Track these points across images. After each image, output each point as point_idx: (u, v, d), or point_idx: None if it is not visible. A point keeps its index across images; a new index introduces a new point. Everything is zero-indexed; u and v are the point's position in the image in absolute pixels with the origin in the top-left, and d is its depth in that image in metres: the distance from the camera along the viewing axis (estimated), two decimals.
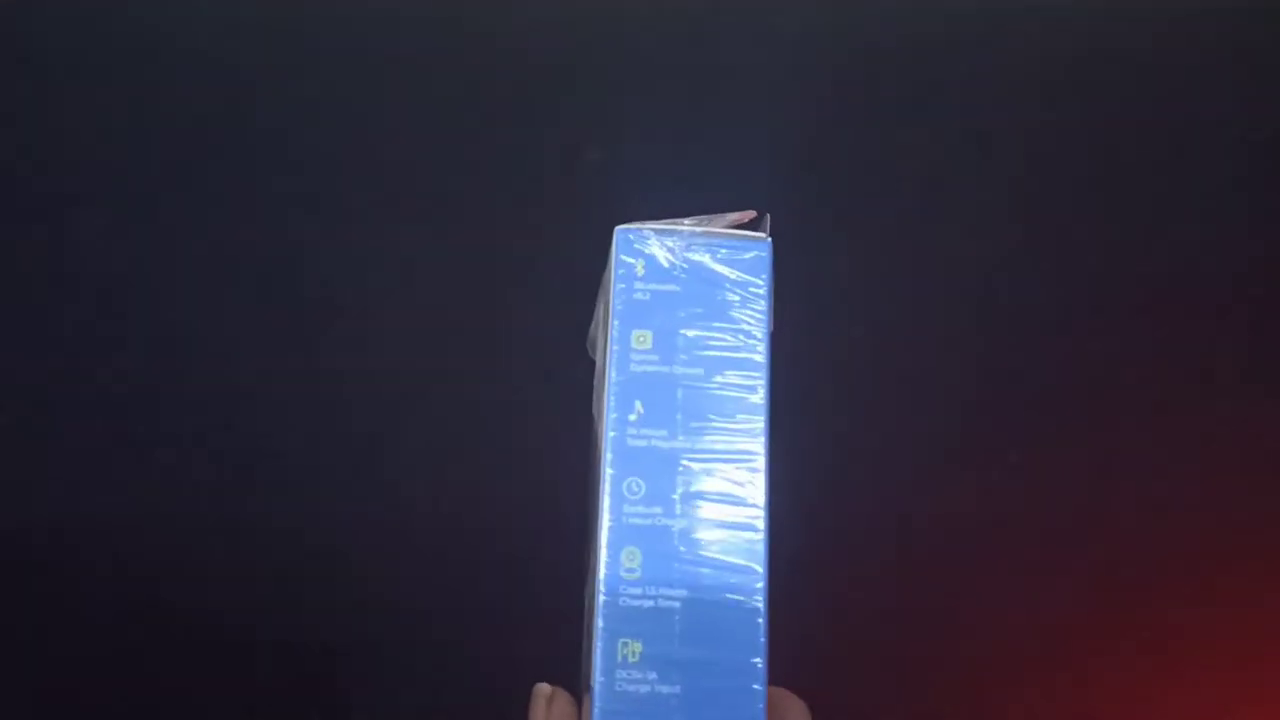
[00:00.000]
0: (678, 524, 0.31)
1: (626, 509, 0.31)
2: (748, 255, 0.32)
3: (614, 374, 0.32)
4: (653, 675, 0.30)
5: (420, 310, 0.67)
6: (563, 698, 0.34)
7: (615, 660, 0.30)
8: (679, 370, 0.32)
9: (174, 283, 0.67)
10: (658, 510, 0.31)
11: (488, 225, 0.67)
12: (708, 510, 0.31)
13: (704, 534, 0.31)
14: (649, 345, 0.32)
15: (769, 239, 0.32)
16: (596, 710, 0.30)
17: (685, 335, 0.32)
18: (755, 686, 0.30)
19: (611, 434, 0.31)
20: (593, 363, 0.34)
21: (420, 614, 0.64)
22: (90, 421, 0.66)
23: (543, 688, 0.34)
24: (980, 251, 0.69)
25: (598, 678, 0.30)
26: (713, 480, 0.31)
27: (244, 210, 0.67)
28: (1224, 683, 0.66)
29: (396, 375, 0.67)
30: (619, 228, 0.32)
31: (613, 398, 0.31)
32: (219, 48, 0.68)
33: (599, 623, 0.30)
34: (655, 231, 0.32)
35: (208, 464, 0.66)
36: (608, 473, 0.31)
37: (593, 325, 0.35)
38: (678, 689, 0.30)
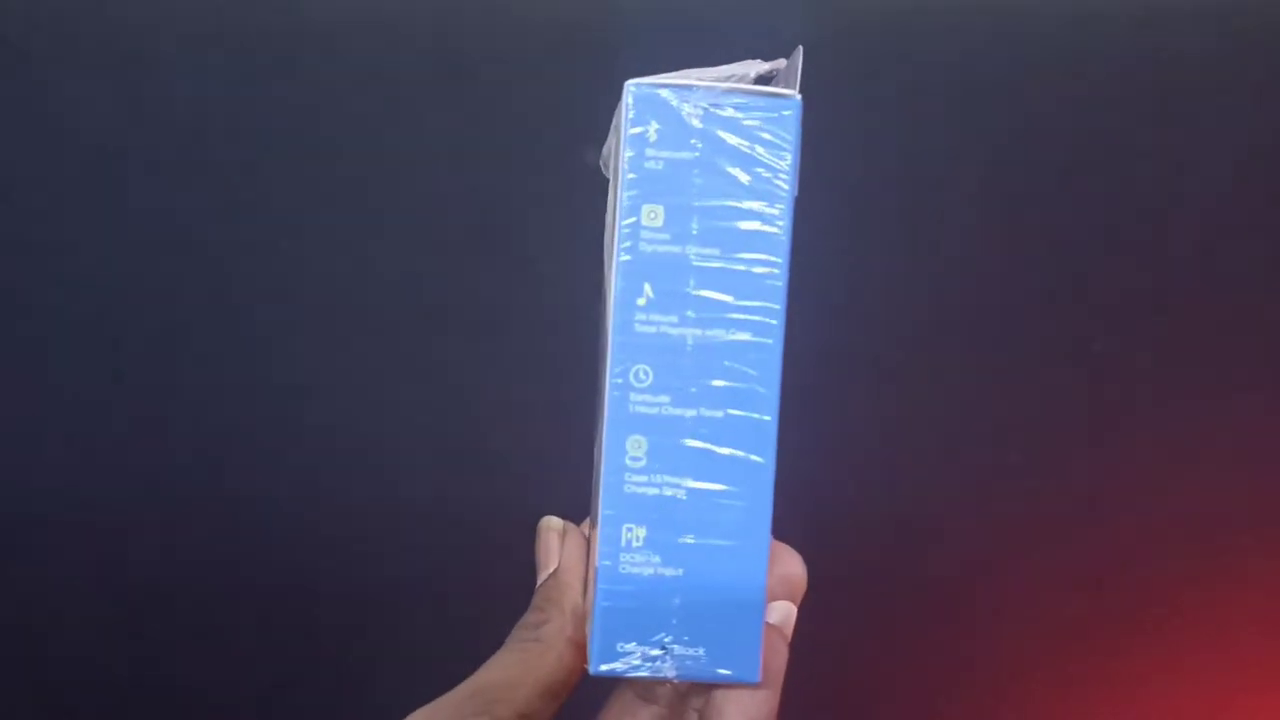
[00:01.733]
0: (686, 412, 0.29)
1: (633, 397, 0.29)
2: (775, 115, 0.28)
3: (622, 254, 0.29)
4: (656, 559, 0.30)
5: (420, 305, 0.64)
6: (575, 533, 0.34)
7: (619, 544, 0.30)
8: (692, 250, 0.29)
9: (172, 278, 0.64)
10: (665, 399, 0.29)
11: (489, 224, 0.64)
12: (717, 399, 0.29)
13: (712, 423, 0.29)
14: (660, 222, 0.29)
15: (799, 96, 0.28)
16: (600, 589, 0.30)
17: (701, 210, 0.29)
18: (757, 575, 0.30)
19: (618, 318, 0.29)
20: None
21: (427, 592, 0.65)
22: (90, 420, 0.64)
23: (553, 521, 0.34)
24: (980, 251, 0.65)
25: (601, 560, 0.30)
26: (724, 369, 0.29)
27: (243, 206, 0.63)
28: (1225, 682, 0.67)
29: (397, 365, 0.64)
30: (630, 82, 0.28)
31: (621, 279, 0.29)
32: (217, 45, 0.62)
33: (603, 508, 0.30)
34: (670, 88, 0.28)
35: (208, 457, 0.65)
36: (614, 359, 0.29)
37: (605, 148, 0.31)
38: (680, 572, 0.30)
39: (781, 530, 0.31)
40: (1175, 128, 0.65)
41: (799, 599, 0.33)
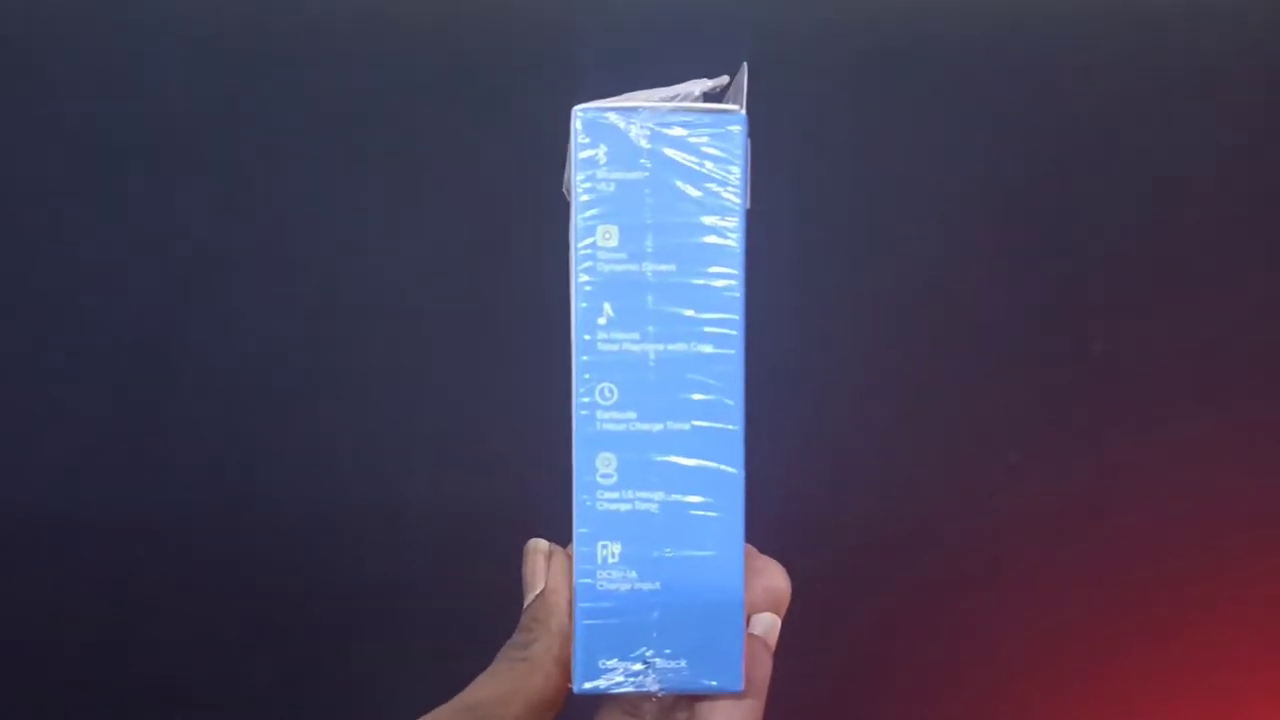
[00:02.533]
0: (653, 427, 0.30)
1: (600, 414, 0.30)
2: (721, 130, 0.29)
3: (581, 275, 0.29)
4: (633, 574, 0.30)
5: (420, 305, 0.65)
6: (561, 554, 0.34)
7: (595, 561, 0.30)
8: (649, 267, 0.29)
9: (172, 277, 0.64)
10: (632, 415, 0.30)
11: (489, 224, 0.64)
12: (683, 412, 0.30)
13: (680, 436, 0.30)
14: (615, 242, 0.29)
15: (742, 111, 0.29)
16: (580, 608, 0.31)
17: (655, 227, 0.29)
18: (734, 584, 0.30)
19: (580, 338, 0.29)
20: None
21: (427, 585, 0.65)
22: (90, 420, 0.65)
23: (539, 543, 0.35)
24: (980, 251, 0.65)
25: (579, 579, 0.30)
26: (688, 382, 0.30)
27: (242, 206, 0.64)
28: (1225, 682, 0.67)
29: (397, 365, 0.65)
30: (577, 108, 0.29)
31: (581, 300, 0.29)
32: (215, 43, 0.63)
33: (576, 527, 0.30)
34: (616, 110, 0.28)
35: (207, 457, 0.65)
36: (581, 377, 0.30)
37: (566, 169, 0.32)
38: (657, 585, 0.30)
39: (777, 532, 0.31)
40: (1175, 127, 0.65)
41: (783, 610, 0.33)
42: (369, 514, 0.66)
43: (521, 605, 0.35)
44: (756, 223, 0.30)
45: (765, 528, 0.32)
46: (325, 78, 0.64)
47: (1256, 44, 0.65)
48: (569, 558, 0.34)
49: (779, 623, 0.33)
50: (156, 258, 0.65)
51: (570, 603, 0.33)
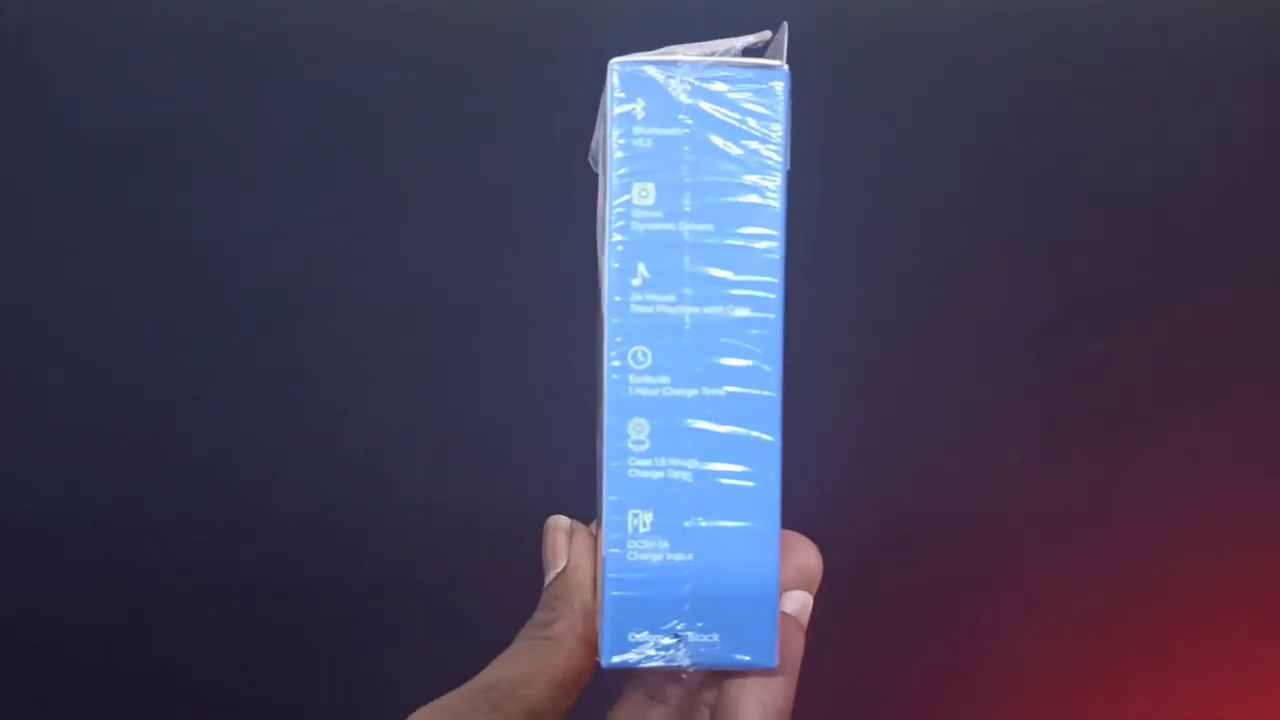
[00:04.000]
0: (688, 392, 0.29)
1: (633, 379, 0.29)
2: (764, 86, 0.28)
3: (614, 235, 0.29)
4: (664, 544, 0.30)
5: (420, 304, 0.65)
6: (583, 531, 0.34)
7: (626, 531, 0.30)
8: (686, 227, 0.29)
9: (171, 277, 0.64)
10: (666, 380, 0.29)
11: (489, 223, 0.64)
12: (719, 377, 0.29)
13: (715, 403, 0.29)
14: (652, 200, 0.29)
15: (785, 66, 0.28)
16: (609, 579, 0.30)
17: (693, 185, 0.29)
18: (769, 556, 0.30)
19: (614, 299, 0.29)
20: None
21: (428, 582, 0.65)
22: (90, 420, 0.65)
23: (560, 520, 0.34)
24: (980, 251, 0.65)
25: (609, 549, 0.30)
26: (724, 347, 0.29)
27: (242, 206, 0.64)
28: (1226, 682, 0.67)
29: (397, 365, 0.65)
30: (614, 61, 0.28)
31: (615, 260, 0.29)
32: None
33: (607, 494, 0.30)
34: (655, 64, 0.28)
35: (208, 457, 0.65)
36: (613, 340, 0.29)
37: (594, 141, 0.31)
38: (690, 556, 0.30)
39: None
40: (1175, 127, 0.66)
41: (814, 589, 0.33)
42: (369, 513, 0.65)
43: (542, 585, 0.34)
44: None
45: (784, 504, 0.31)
46: (326, 77, 0.64)
47: (1256, 44, 0.65)
48: (591, 535, 0.34)
49: (810, 601, 0.32)
50: (156, 257, 0.64)
51: (594, 580, 0.32)
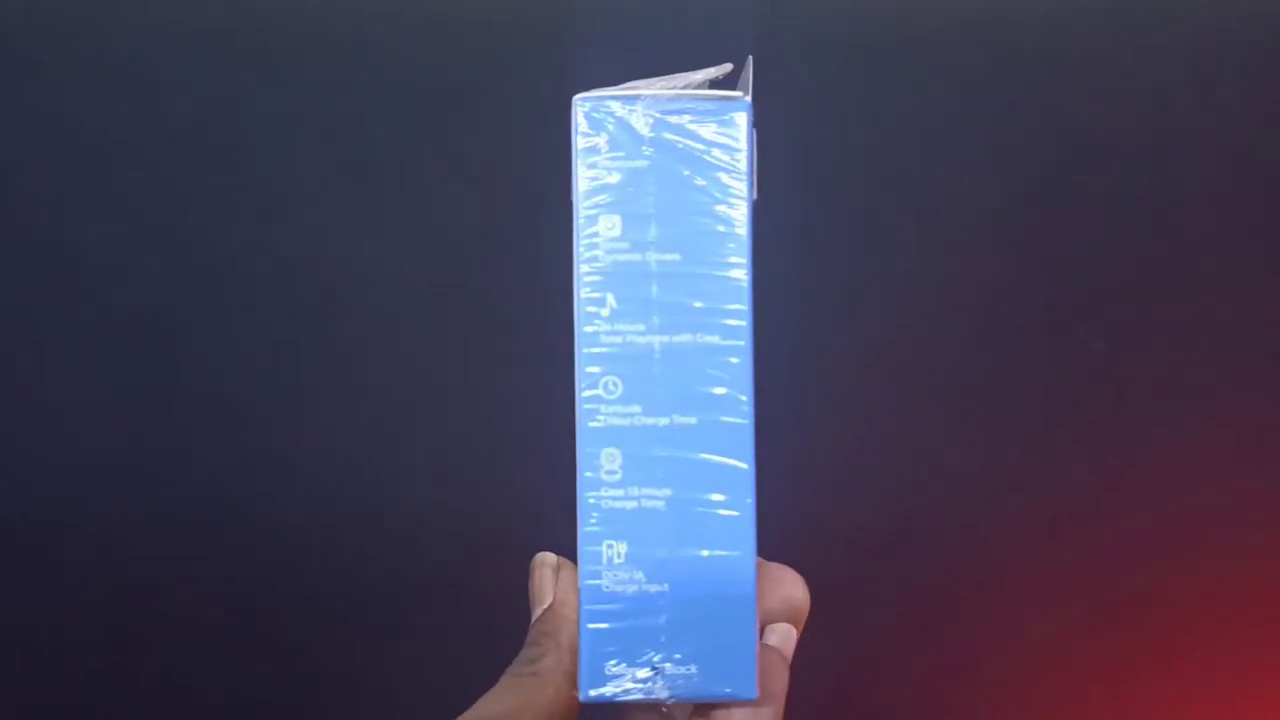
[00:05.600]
0: (659, 421, 0.29)
1: (604, 409, 0.29)
2: (726, 117, 0.28)
3: (583, 266, 0.29)
4: (639, 575, 0.30)
5: (421, 305, 0.65)
6: (570, 568, 0.33)
7: (601, 562, 0.30)
8: (653, 256, 0.29)
9: (172, 278, 0.65)
10: (637, 409, 0.29)
11: (489, 223, 0.65)
12: (690, 405, 0.29)
13: (687, 431, 0.29)
14: (618, 231, 0.29)
15: (748, 98, 0.28)
16: (584, 611, 0.30)
17: (659, 216, 0.29)
18: (745, 585, 0.30)
19: (583, 330, 0.29)
20: None
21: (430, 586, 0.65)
22: (90, 420, 0.65)
23: (547, 557, 0.34)
24: (980, 251, 0.65)
25: (584, 580, 0.30)
26: (695, 375, 0.29)
27: (242, 206, 0.65)
28: (1226, 682, 0.67)
29: (398, 366, 0.65)
30: (577, 97, 0.28)
31: (583, 291, 0.29)
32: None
33: (581, 525, 0.30)
34: (618, 99, 0.28)
35: (208, 457, 0.66)
36: (584, 371, 0.29)
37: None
38: (665, 586, 0.30)
39: (780, 536, 0.30)
40: (1174, 127, 0.66)
41: (801, 623, 0.33)
42: (369, 516, 0.66)
43: (529, 621, 0.34)
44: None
45: (763, 530, 0.31)
46: (327, 76, 0.64)
47: (1257, 44, 0.65)
48: (575, 573, 0.34)
49: (795, 634, 0.32)
50: (156, 257, 0.65)
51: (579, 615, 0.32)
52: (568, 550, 0.34)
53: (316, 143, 0.65)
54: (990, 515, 0.67)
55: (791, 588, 0.32)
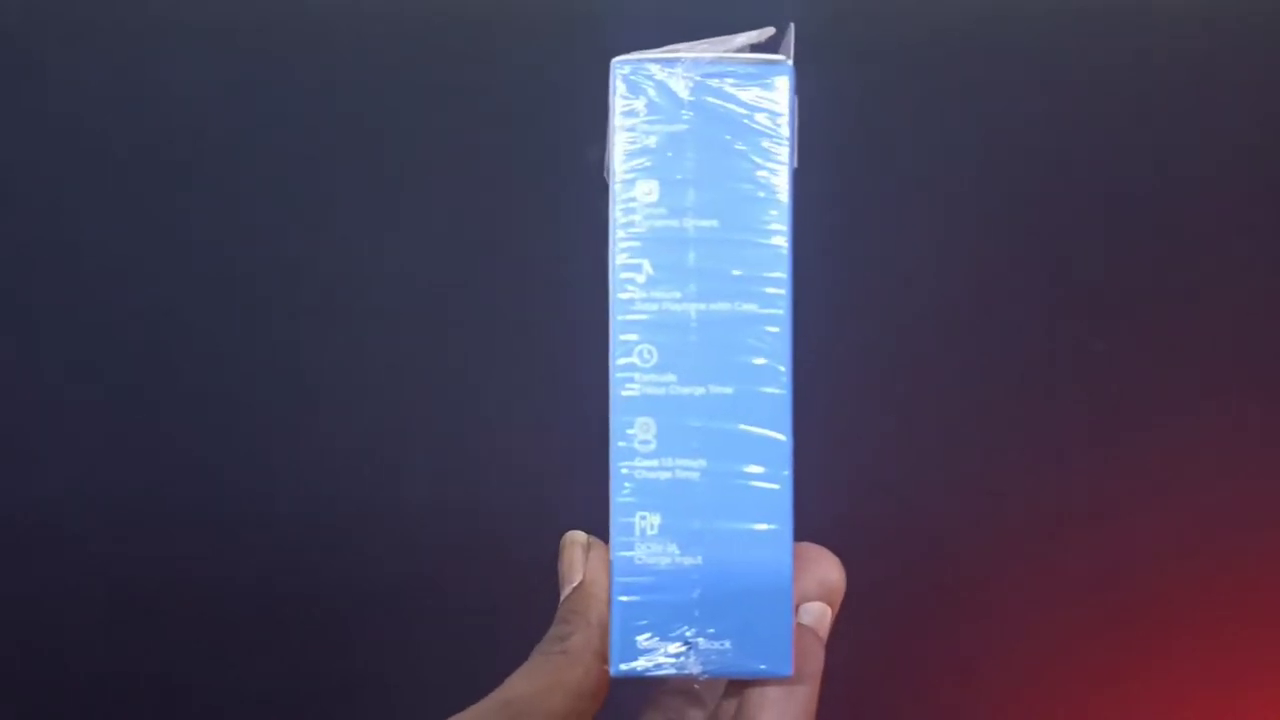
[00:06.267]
0: (695, 390, 0.29)
1: (639, 377, 0.29)
2: (768, 81, 0.28)
3: (619, 232, 0.28)
4: (673, 547, 0.29)
5: (422, 305, 0.65)
6: (600, 546, 0.33)
7: (633, 534, 0.29)
8: (690, 223, 0.28)
9: (173, 278, 0.65)
10: (672, 378, 0.29)
11: (490, 223, 0.65)
12: (727, 374, 0.29)
13: (723, 401, 0.29)
14: (656, 197, 0.28)
15: (790, 61, 0.28)
16: (616, 583, 0.29)
17: (697, 182, 0.28)
18: (782, 560, 0.29)
19: (618, 297, 0.28)
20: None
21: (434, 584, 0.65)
22: (90, 420, 0.65)
23: (577, 535, 0.33)
24: (980, 251, 0.66)
25: (616, 552, 0.29)
26: (732, 344, 0.29)
27: (243, 207, 0.65)
28: (1226, 682, 0.67)
29: (399, 366, 0.65)
30: (615, 60, 0.28)
31: (619, 257, 0.28)
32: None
33: (614, 496, 0.29)
34: (657, 62, 0.28)
35: (209, 457, 0.66)
36: (618, 338, 0.29)
37: (606, 152, 0.31)
38: (699, 560, 0.29)
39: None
40: (1175, 127, 0.66)
41: (837, 604, 0.32)
42: (369, 514, 0.65)
43: (558, 600, 0.33)
44: None
45: (799, 505, 0.31)
46: (327, 76, 0.64)
47: (1256, 44, 0.65)
48: (607, 550, 0.33)
49: (829, 613, 0.32)
50: (156, 257, 0.65)
51: (609, 592, 0.32)
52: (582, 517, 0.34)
53: (317, 143, 0.65)
54: (990, 515, 0.67)
55: (827, 567, 0.32)
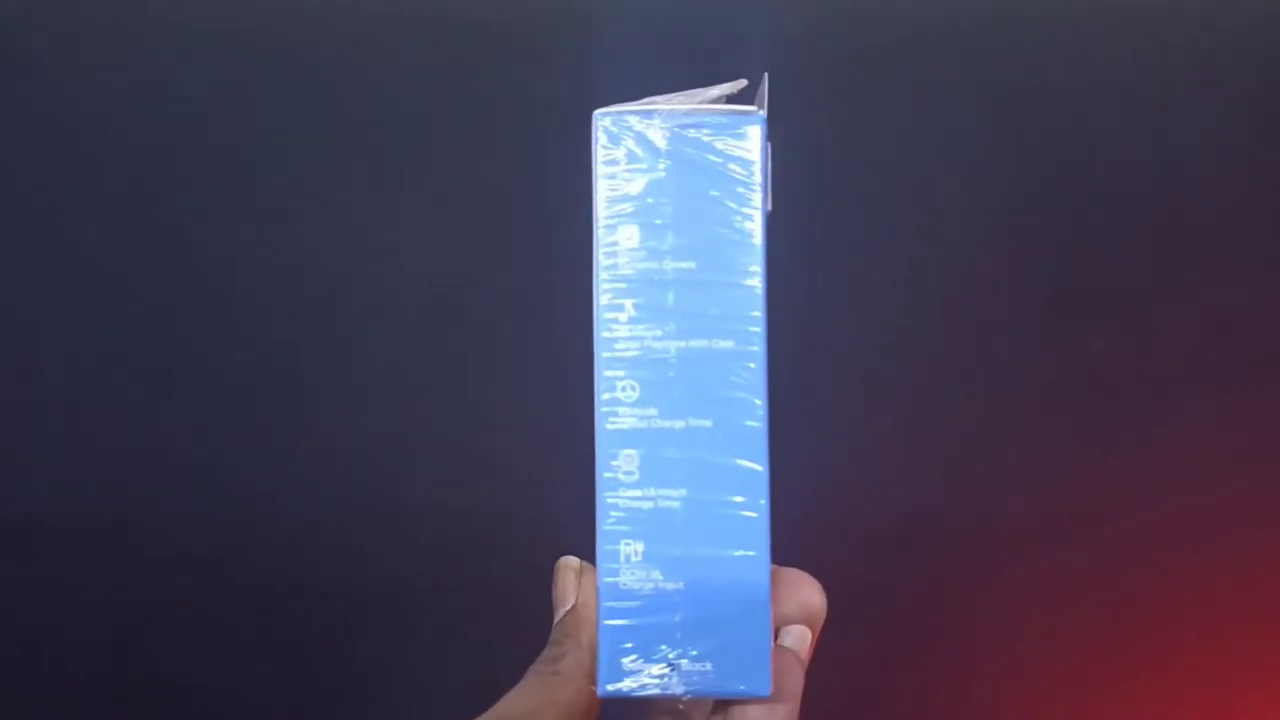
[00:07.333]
0: (675, 424, 0.31)
1: (622, 411, 0.31)
2: (740, 131, 0.30)
3: (602, 274, 0.31)
4: (656, 573, 0.31)
5: (422, 305, 0.67)
6: (592, 571, 0.35)
7: (618, 560, 0.31)
8: (669, 265, 0.30)
9: (173, 279, 0.66)
10: (653, 412, 0.31)
11: (490, 224, 0.66)
12: (705, 408, 0.31)
13: (702, 433, 0.31)
14: (636, 241, 0.30)
15: (762, 112, 0.30)
16: (603, 607, 0.31)
17: (675, 227, 0.30)
18: (760, 585, 0.31)
19: (601, 336, 0.31)
20: None
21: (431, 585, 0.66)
22: (90, 420, 0.66)
23: (571, 560, 0.35)
24: (980, 251, 0.67)
25: (602, 578, 0.31)
26: (710, 379, 0.31)
27: (243, 207, 0.66)
28: (1226, 682, 0.68)
29: (398, 366, 0.67)
30: (597, 112, 0.30)
31: (603, 298, 0.31)
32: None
33: (599, 524, 0.31)
34: (636, 114, 0.30)
35: (209, 458, 0.67)
36: (602, 375, 0.31)
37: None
38: (681, 585, 0.31)
39: (777, 536, 0.32)
40: (1175, 127, 0.67)
41: (818, 627, 0.34)
42: (370, 515, 0.67)
43: (550, 624, 0.35)
44: None
45: (776, 531, 0.33)
46: (327, 76, 0.66)
47: (1256, 44, 0.66)
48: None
49: (810, 635, 0.34)
50: (157, 258, 0.66)
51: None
52: (567, 538, 0.36)
53: (317, 143, 0.66)
54: (990, 515, 0.68)
55: (808, 592, 0.34)
